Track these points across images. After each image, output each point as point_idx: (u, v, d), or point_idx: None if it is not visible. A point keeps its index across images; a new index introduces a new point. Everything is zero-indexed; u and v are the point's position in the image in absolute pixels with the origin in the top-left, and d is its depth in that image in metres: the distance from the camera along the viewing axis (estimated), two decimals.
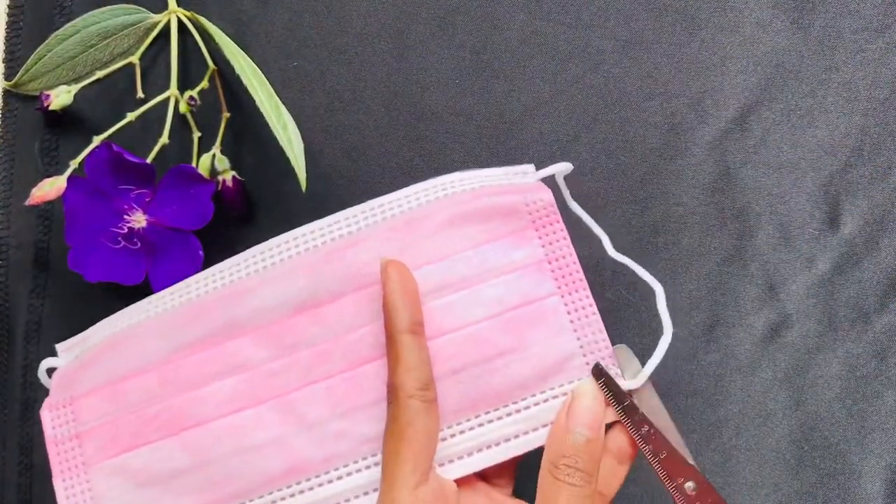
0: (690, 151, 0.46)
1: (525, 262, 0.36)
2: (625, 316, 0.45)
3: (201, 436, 0.36)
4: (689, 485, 0.34)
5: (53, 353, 0.46)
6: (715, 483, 0.44)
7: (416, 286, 0.35)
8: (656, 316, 0.45)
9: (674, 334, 0.45)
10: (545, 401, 0.36)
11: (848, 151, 0.46)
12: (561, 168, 0.38)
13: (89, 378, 0.37)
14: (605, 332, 0.36)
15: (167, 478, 0.36)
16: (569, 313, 0.36)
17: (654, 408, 0.36)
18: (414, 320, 0.34)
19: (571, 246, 0.36)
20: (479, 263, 0.36)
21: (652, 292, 0.39)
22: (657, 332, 0.45)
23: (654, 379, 0.36)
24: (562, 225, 0.36)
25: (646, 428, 0.35)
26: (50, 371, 0.39)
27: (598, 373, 0.36)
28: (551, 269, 0.36)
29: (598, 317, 0.36)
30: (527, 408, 0.35)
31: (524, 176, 0.38)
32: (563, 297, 0.36)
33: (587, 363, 0.36)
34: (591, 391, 0.35)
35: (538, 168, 0.39)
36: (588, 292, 0.36)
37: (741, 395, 0.45)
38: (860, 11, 0.47)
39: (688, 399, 0.45)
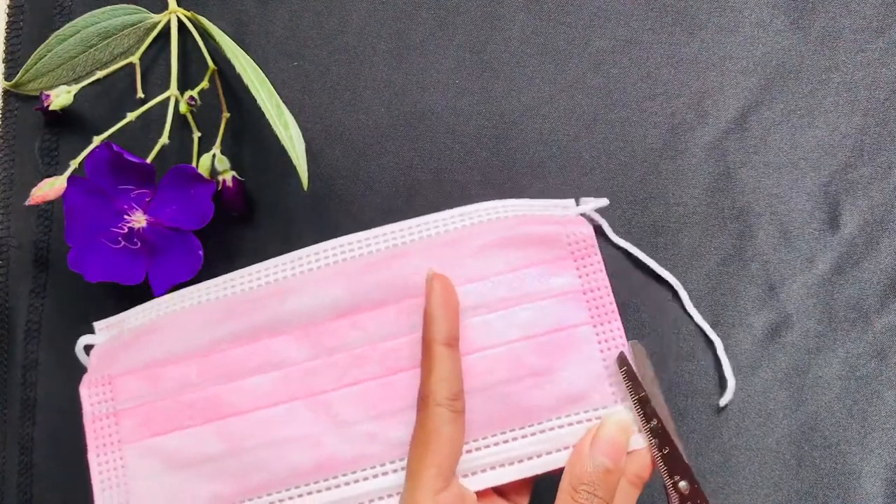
0: (690, 151, 0.46)
1: (562, 289, 0.38)
2: (625, 316, 0.45)
3: (236, 426, 0.37)
4: (683, 484, 0.36)
5: (53, 352, 0.46)
6: (715, 483, 0.44)
7: (457, 301, 0.37)
8: (655, 316, 0.45)
9: (676, 334, 0.45)
10: (569, 424, 0.37)
11: (848, 151, 0.46)
12: (600, 203, 0.40)
13: (128, 359, 0.39)
14: (631, 363, 0.37)
15: (199, 462, 0.37)
16: (599, 343, 0.38)
17: (659, 405, 0.36)
18: (451, 334, 0.36)
19: (607, 279, 0.38)
20: (518, 286, 0.37)
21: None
22: (657, 331, 0.45)
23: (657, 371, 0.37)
24: (599, 258, 0.38)
25: (655, 422, 0.36)
26: (87, 349, 0.40)
27: (622, 361, 0.37)
28: (586, 299, 0.38)
29: (627, 345, 0.37)
30: (551, 429, 0.37)
31: (564, 209, 0.39)
32: (594, 326, 0.37)
33: (612, 393, 0.37)
34: (617, 422, 0.36)
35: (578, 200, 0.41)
36: (619, 324, 0.38)
37: (741, 395, 0.45)
38: (860, 11, 0.47)
39: (688, 399, 0.45)
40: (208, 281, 0.40)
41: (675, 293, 0.45)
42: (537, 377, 0.37)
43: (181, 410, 0.38)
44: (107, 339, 0.40)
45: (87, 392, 0.39)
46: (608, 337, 0.37)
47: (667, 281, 0.45)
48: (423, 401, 0.35)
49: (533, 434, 0.36)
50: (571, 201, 0.40)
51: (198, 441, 0.37)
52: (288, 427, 0.37)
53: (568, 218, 0.39)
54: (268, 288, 0.39)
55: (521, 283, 0.37)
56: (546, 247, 0.38)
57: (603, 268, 0.38)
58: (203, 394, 0.38)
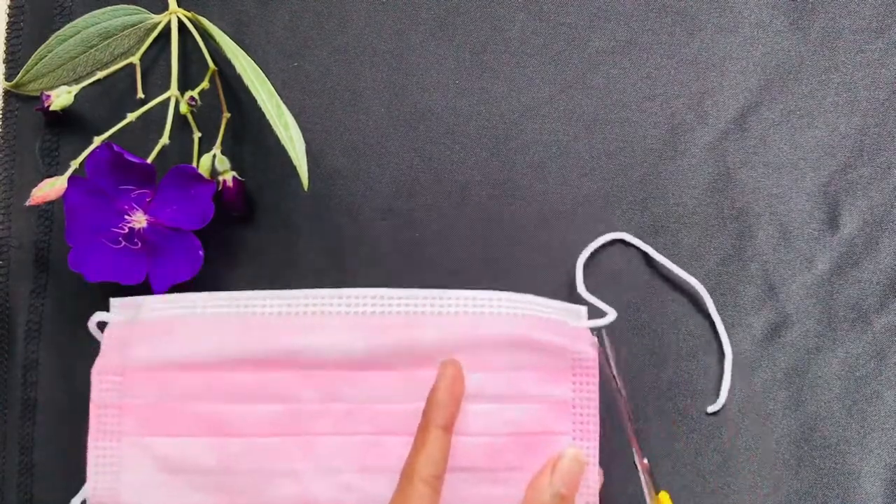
0: (690, 152, 0.46)
1: (554, 398, 0.40)
2: (625, 316, 0.45)
3: (230, 446, 0.39)
4: (646, 460, 0.41)
5: (53, 352, 0.46)
6: (715, 483, 0.44)
7: (463, 391, 0.39)
8: (655, 316, 0.45)
9: (676, 334, 0.45)
10: None
11: (848, 151, 0.46)
12: (609, 319, 0.41)
13: (142, 353, 0.40)
14: (598, 483, 0.40)
15: (190, 471, 0.39)
16: None
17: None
18: (449, 420, 0.38)
19: (597, 400, 0.40)
20: (516, 386, 0.40)
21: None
22: (657, 331, 0.45)
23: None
24: (596, 380, 0.40)
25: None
26: (101, 326, 0.41)
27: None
28: (573, 413, 0.40)
29: (597, 467, 0.40)
30: None
31: (577, 318, 0.42)
32: (574, 439, 0.40)
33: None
34: (574, 454, 0.39)
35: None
36: (597, 443, 0.40)
37: (741, 395, 0.45)
38: (860, 12, 0.47)
39: (688, 399, 0.45)
40: (228, 293, 0.41)
41: (677, 294, 0.45)
42: (510, 472, 0.39)
43: (183, 418, 0.39)
44: (121, 320, 0.41)
45: (98, 378, 0.40)
46: (584, 453, 0.40)
47: (667, 281, 0.45)
48: (408, 474, 0.37)
49: None
50: (584, 310, 0.42)
51: (193, 451, 0.39)
52: (276, 459, 0.39)
53: (578, 332, 0.41)
54: (286, 319, 0.40)
55: (519, 384, 0.40)
56: (551, 357, 0.40)
57: (597, 389, 0.40)
58: (207, 408, 0.39)
